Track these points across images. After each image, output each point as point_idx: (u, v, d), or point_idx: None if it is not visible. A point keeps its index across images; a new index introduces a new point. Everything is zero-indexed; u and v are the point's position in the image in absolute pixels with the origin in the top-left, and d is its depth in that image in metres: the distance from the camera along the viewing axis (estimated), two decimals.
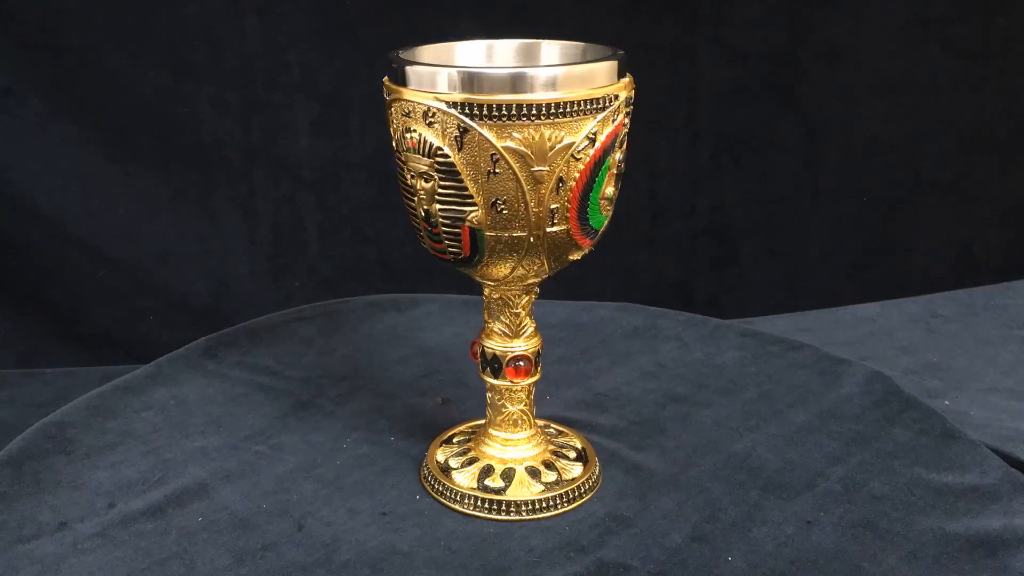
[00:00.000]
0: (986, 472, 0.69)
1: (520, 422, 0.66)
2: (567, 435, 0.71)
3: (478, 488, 0.64)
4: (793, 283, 1.27)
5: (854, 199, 1.25)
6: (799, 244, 1.26)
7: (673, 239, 1.24)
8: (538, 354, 0.65)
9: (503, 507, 0.63)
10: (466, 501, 0.64)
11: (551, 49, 0.65)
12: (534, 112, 0.53)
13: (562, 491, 0.64)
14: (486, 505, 0.63)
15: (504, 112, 0.53)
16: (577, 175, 0.56)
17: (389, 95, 0.58)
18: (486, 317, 0.64)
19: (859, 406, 0.79)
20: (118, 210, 1.11)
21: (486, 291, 0.63)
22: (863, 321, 1.10)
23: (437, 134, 0.55)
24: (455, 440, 0.70)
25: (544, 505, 0.64)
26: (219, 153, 1.13)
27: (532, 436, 0.67)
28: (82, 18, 1.05)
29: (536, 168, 0.55)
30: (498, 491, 0.64)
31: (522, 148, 0.54)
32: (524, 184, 0.55)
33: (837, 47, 1.20)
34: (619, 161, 0.59)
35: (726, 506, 0.65)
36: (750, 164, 1.23)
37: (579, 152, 0.55)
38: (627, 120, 0.58)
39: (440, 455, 0.68)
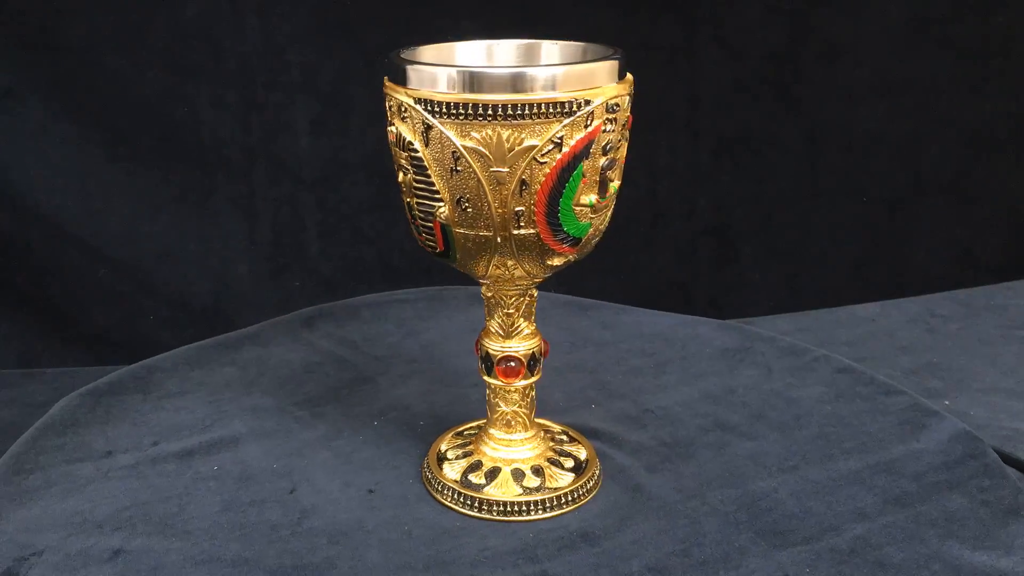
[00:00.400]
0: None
1: (513, 423, 0.66)
2: (577, 444, 0.71)
3: (460, 482, 0.65)
4: (793, 283, 1.27)
5: (854, 199, 1.25)
6: (799, 244, 1.26)
7: (673, 239, 1.24)
8: (534, 357, 0.64)
9: (477, 504, 0.64)
10: (446, 492, 0.65)
11: (552, 49, 0.65)
12: (490, 113, 0.53)
13: (540, 498, 0.64)
14: (462, 499, 0.64)
15: (462, 111, 0.53)
16: (543, 179, 0.55)
17: (384, 89, 0.58)
18: (486, 316, 0.64)
19: (926, 464, 0.71)
20: (118, 210, 1.11)
21: (482, 289, 0.63)
22: (863, 321, 1.10)
23: (409, 129, 0.56)
24: (465, 433, 0.71)
25: (517, 509, 0.63)
26: (219, 153, 1.13)
27: (529, 439, 0.67)
28: (82, 18, 1.05)
29: (495, 168, 0.54)
30: (477, 488, 0.64)
31: (481, 148, 0.54)
32: (485, 184, 0.55)
33: (837, 47, 1.20)
34: (603, 168, 0.57)
35: (706, 543, 0.61)
36: (750, 164, 1.23)
37: (543, 156, 0.54)
38: (612, 126, 0.56)
39: (444, 445, 0.69)
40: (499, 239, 0.56)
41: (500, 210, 0.55)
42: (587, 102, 0.54)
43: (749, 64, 1.19)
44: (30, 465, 0.70)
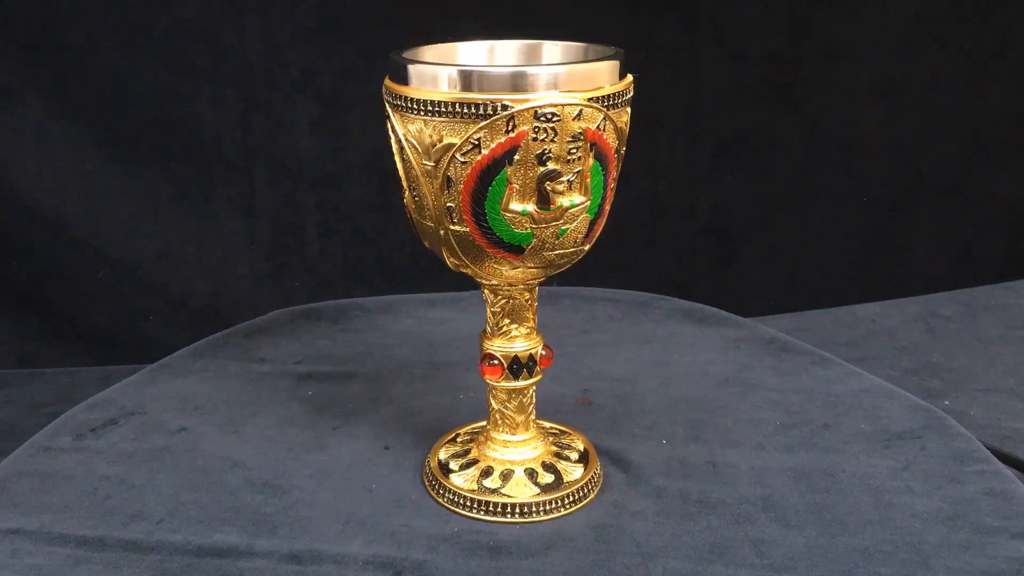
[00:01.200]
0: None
1: (525, 423, 0.66)
2: (570, 436, 0.71)
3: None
4: (793, 283, 1.27)
5: (854, 199, 1.25)
6: (799, 244, 1.26)
7: (673, 239, 1.24)
8: (518, 359, 0.64)
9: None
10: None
11: (553, 49, 0.65)
12: (414, 107, 0.55)
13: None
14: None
15: (399, 102, 0.56)
16: (465, 177, 0.55)
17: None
18: (492, 321, 0.64)
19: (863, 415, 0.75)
20: (118, 210, 1.11)
21: (491, 294, 0.63)
22: (863, 321, 1.10)
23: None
24: (458, 440, 0.70)
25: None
26: (219, 153, 1.13)
27: (534, 438, 0.67)
28: (82, 18, 1.05)
29: (424, 162, 0.56)
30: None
31: (412, 139, 0.56)
32: (421, 175, 0.56)
33: (837, 47, 1.20)
34: (541, 178, 0.55)
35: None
36: (750, 164, 1.23)
37: (463, 155, 0.55)
38: (549, 136, 0.54)
39: (442, 454, 0.68)
40: (441, 232, 0.58)
41: (434, 202, 0.57)
42: (505, 107, 0.53)
43: (749, 64, 1.19)
44: None
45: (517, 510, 0.63)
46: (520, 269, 0.59)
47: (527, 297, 0.63)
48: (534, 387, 0.66)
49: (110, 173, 1.10)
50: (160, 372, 0.85)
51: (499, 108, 0.53)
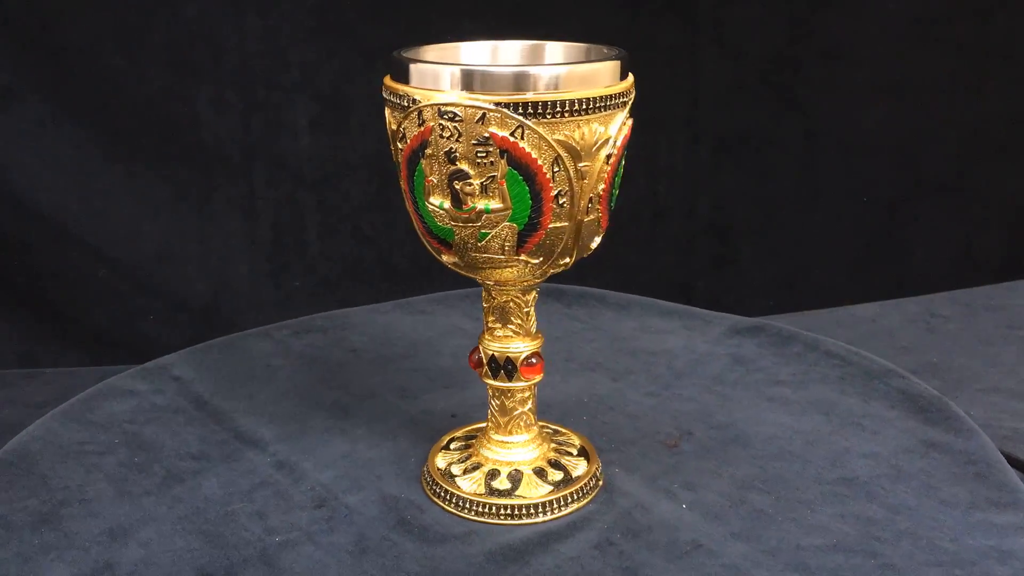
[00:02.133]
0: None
1: (528, 422, 0.66)
2: (564, 433, 0.71)
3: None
4: (793, 283, 1.27)
5: (854, 199, 1.25)
6: (799, 244, 1.26)
7: (673, 239, 1.24)
8: (509, 360, 0.64)
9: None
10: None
11: (555, 50, 0.65)
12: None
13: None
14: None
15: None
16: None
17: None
18: (491, 322, 0.64)
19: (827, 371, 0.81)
20: (118, 210, 1.11)
21: (494, 295, 0.63)
22: (863, 321, 1.10)
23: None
24: (452, 447, 0.70)
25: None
26: (219, 153, 1.13)
27: (535, 437, 0.67)
28: (82, 18, 1.05)
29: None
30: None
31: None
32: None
33: (837, 47, 1.20)
34: (451, 177, 0.58)
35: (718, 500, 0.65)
36: (750, 164, 1.23)
37: (400, 143, 0.58)
38: (453, 135, 0.57)
39: (440, 461, 0.67)
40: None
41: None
42: (414, 101, 0.55)
43: (749, 64, 1.19)
44: None
45: (528, 510, 0.63)
46: (448, 258, 0.60)
47: (519, 300, 0.63)
48: (527, 392, 0.66)
49: (110, 173, 1.10)
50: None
51: (411, 102, 0.56)
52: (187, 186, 1.13)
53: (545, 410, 0.73)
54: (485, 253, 0.58)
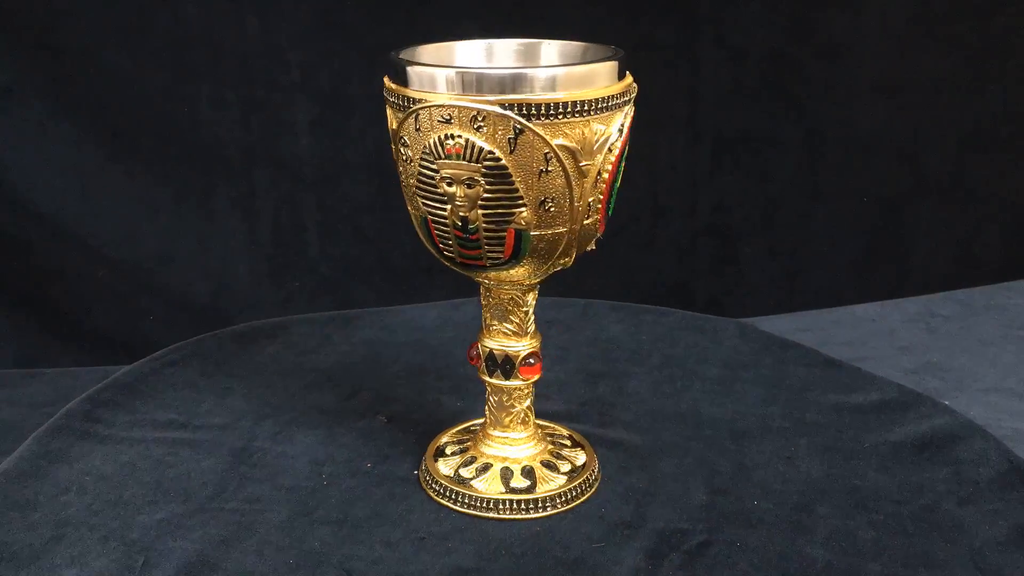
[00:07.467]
0: (883, 389, 0.78)
1: (526, 420, 0.67)
2: (551, 427, 0.72)
3: (506, 492, 0.64)
4: (793, 283, 1.27)
5: (854, 199, 1.25)
6: (799, 244, 1.26)
7: (673, 239, 1.24)
8: (508, 358, 0.64)
9: (537, 504, 0.64)
10: (500, 507, 0.63)
11: (551, 49, 0.65)
12: (585, 108, 0.55)
13: (583, 478, 0.65)
14: (521, 506, 0.63)
15: (559, 111, 0.55)
16: (610, 166, 0.58)
17: (415, 102, 0.56)
18: (489, 319, 0.64)
19: (749, 353, 0.85)
20: (118, 210, 1.11)
21: (493, 293, 0.63)
22: (863, 321, 1.10)
23: (487, 137, 0.55)
24: (449, 451, 0.70)
25: (574, 494, 0.64)
26: (219, 153, 1.13)
27: (533, 434, 0.68)
28: (82, 18, 1.05)
29: (584, 163, 0.56)
30: (527, 490, 0.64)
31: (573, 144, 0.56)
32: (572, 180, 0.56)
33: (837, 47, 1.20)
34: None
35: (716, 458, 0.69)
36: (750, 164, 1.23)
37: (613, 144, 0.58)
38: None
39: (444, 467, 0.67)
40: (570, 234, 0.59)
41: (579, 204, 0.58)
42: (413, 102, 0.56)
43: (749, 64, 1.19)
44: None
45: (558, 501, 0.64)
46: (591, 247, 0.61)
47: (519, 300, 0.63)
48: (526, 390, 0.66)
49: (110, 173, 1.10)
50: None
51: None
52: (187, 186, 1.13)
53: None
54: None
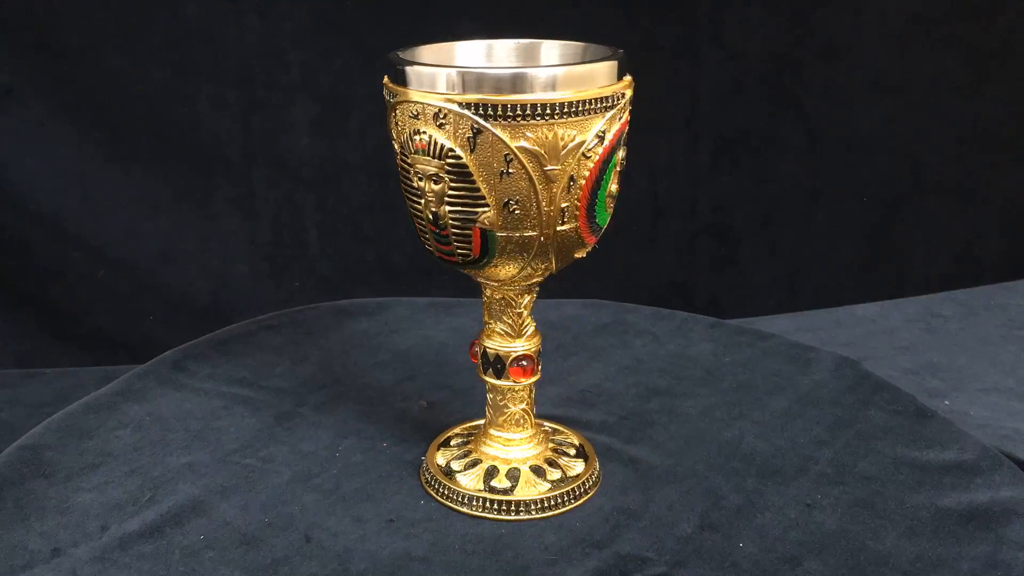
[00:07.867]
0: (964, 448, 0.71)
1: (522, 421, 0.67)
2: (563, 433, 0.71)
3: (484, 489, 0.64)
4: (793, 283, 1.27)
5: (854, 199, 1.25)
6: (799, 244, 1.26)
7: (673, 239, 1.24)
8: (539, 353, 0.65)
9: (511, 507, 0.63)
10: (473, 503, 0.64)
11: (551, 49, 0.65)
12: (548, 112, 0.54)
13: (568, 488, 0.64)
14: (494, 506, 0.63)
15: (518, 112, 0.54)
16: (587, 173, 0.56)
17: (393, 96, 0.57)
18: (486, 318, 0.64)
19: (833, 390, 0.80)
20: (118, 210, 1.11)
21: (487, 292, 0.63)
22: (863, 321, 1.10)
23: (448, 135, 0.55)
24: (452, 443, 0.70)
25: (552, 503, 0.64)
26: (219, 153, 1.13)
27: (533, 436, 0.68)
28: (82, 18, 1.05)
29: (549, 167, 0.55)
30: (505, 491, 0.64)
31: (535, 148, 0.55)
32: (537, 184, 0.55)
33: (837, 47, 1.20)
34: (622, 159, 0.59)
35: (727, 493, 0.66)
36: (750, 164, 1.23)
37: (589, 150, 0.56)
38: (628, 118, 0.58)
39: (440, 458, 0.68)
40: (543, 238, 0.59)
41: (548, 208, 0.58)
42: (623, 95, 0.56)
43: (749, 64, 1.19)
44: None
45: (532, 507, 0.63)
46: (580, 253, 0.61)
47: (514, 301, 0.63)
48: (522, 391, 0.66)
49: (110, 173, 1.10)
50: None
51: (619, 97, 0.57)
52: (187, 186, 1.13)
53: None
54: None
